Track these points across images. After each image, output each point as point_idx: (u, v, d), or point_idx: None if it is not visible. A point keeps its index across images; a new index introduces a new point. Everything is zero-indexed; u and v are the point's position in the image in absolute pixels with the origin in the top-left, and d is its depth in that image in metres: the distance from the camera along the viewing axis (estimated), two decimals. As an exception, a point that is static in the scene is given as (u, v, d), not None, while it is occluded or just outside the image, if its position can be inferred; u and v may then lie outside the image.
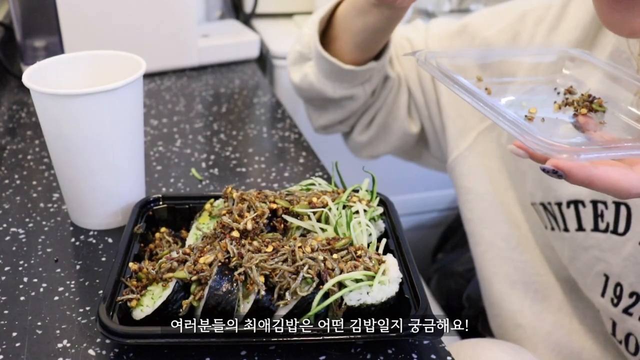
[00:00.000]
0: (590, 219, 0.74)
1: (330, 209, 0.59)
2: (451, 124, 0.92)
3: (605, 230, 0.73)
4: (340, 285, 0.52)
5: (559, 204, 0.78)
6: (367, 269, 0.53)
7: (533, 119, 0.60)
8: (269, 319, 0.53)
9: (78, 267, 0.64)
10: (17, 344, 0.53)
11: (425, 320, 0.51)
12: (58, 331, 0.55)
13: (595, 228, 0.74)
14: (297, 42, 0.96)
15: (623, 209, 0.70)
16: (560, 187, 0.77)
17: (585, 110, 0.60)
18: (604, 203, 0.72)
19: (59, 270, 0.63)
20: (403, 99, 0.96)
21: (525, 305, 0.87)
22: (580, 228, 0.76)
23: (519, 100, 0.65)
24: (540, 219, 0.84)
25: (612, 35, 0.75)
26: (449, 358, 0.53)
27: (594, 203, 0.73)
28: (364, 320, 0.52)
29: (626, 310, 0.72)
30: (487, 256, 0.90)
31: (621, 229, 0.71)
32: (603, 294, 0.75)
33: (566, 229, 0.78)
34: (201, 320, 0.52)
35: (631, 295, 0.72)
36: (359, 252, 0.55)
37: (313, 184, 0.68)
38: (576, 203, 0.75)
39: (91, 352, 0.53)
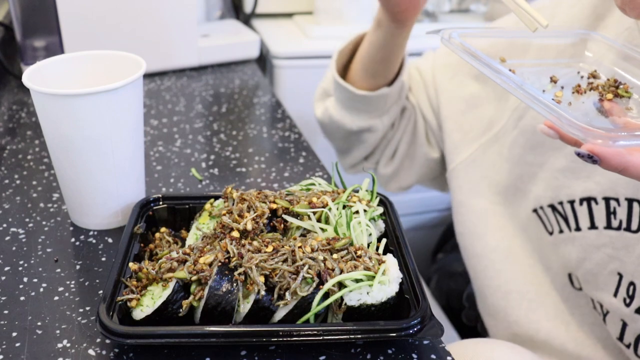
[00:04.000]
0: (603, 216, 0.74)
1: (330, 209, 0.59)
2: (447, 137, 0.94)
3: (618, 228, 0.73)
4: (340, 285, 0.52)
5: (572, 202, 0.77)
6: (367, 269, 0.53)
7: (560, 102, 0.60)
8: (269, 319, 0.53)
9: (78, 267, 0.64)
10: (17, 344, 0.53)
11: (425, 320, 0.51)
12: (58, 331, 0.55)
13: (608, 226, 0.74)
14: (322, 80, 1.03)
15: (636, 206, 0.70)
16: (573, 184, 0.77)
17: (611, 96, 0.59)
18: (617, 200, 0.72)
19: (59, 270, 0.63)
20: (420, 126, 0.99)
21: (521, 314, 0.87)
22: (592, 226, 0.76)
23: (543, 84, 0.65)
24: (543, 224, 0.84)
25: (615, 28, 0.74)
26: (449, 358, 0.53)
27: (607, 200, 0.73)
28: (364, 320, 0.52)
29: (639, 311, 0.72)
30: (478, 267, 0.91)
31: (634, 226, 0.71)
32: (616, 294, 0.74)
33: (578, 228, 0.78)
34: (201, 320, 0.53)
35: None
36: (359, 252, 0.55)
37: (313, 184, 0.68)
38: (589, 200, 0.75)
39: (91, 352, 0.53)
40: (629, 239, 0.71)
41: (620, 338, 0.75)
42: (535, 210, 0.84)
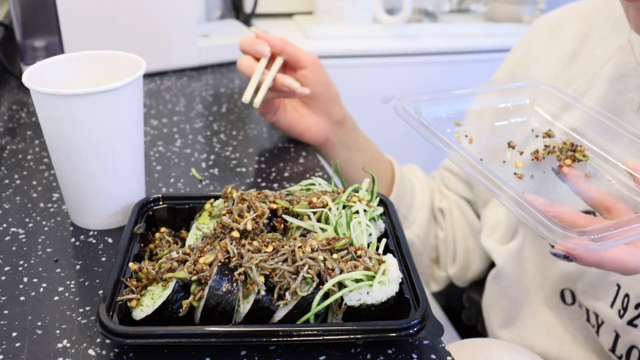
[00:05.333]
0: None
1: (330, 209, 0.59)
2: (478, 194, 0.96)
3: None
4: (340, 285, 0.52)
5: None
6: (367, 269, 0.53)
7: (522, 176, 0.61)
8: (269, 319, 0.53)
9: (78, 267, 0.64)
10: (17, 344, 0.53)
11: (425, 320, 0.51)
12: (58, 331, 0.55)
13: None
14: None
15: None
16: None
17: (570, 161, 0.61)
18: None
19: (59, 270, 0.63)
20: (471, 215, 0.99)
21: (514, 333, 0.89)
22: None
23: (502, 152, 0.65)
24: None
25: (605, 47, 0.75)
26: (449, 358, 0.53)
27: None
28: (364, 320, 0.52)
29: (631, 322, 0.72)
30: (488, 290, 0.93)
31: None
32: (612, 305, 0.75)
33: None
34: (201, 320, 0.53)
35: (637, 306, 0.72)
36: (359, 252, 0.55)
37: (313, 184, 0.67)
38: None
39: (91, 352, 0.53)
40: None
41: (613, 350, 0.76)
42: None
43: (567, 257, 0.49)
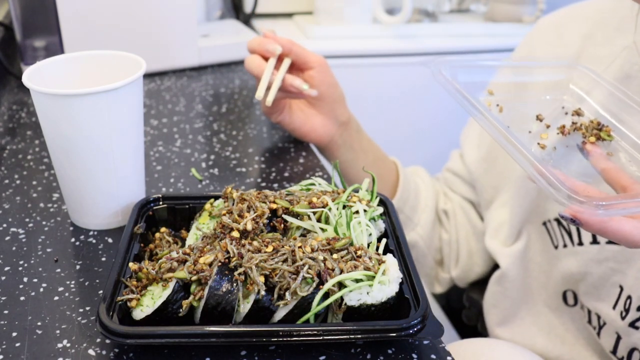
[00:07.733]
0: None
1: (330, 209, 0.59)
2: (482, 197, 0.96)
3: None
4: (340, 285, 0.52)
5: None
6: (367, 269, 0.53)
7: (545, 147, 0.61)
8: (269, 319, 0.53)
9: (78, 267, 0.64)
10: (17, 344, 0.53)
11: (425, 320, 0.51)
12: (58, 331, 0.55)
13: (610, 240, 0.74)
14: None
15: None
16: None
17: (594, 139, 0.62)
18: None
19: (59, 270, 0.63)
20: (474, 216, 0.99)
21: (514, 332, 0.89)
22: (594, 241, 0.76)
23: (529, 123, 0.66)
24: (550, 238, 0.84)
25: (611, 47, 0.76)
26: (449, 358, 0.53)
27: None
28: (364, 320, 0.52)
29: (633, 324, 0.72)
30: (489, 292, 0.93)
31: None
32: (615, 306, 0.75)
33: (580, 243, 0.78)
34: (201, 320, 0.53)
35: (639, 308, 0.72)
36: (359, 252, 0.55)
37: (313, 184, 0.67)
38: None
39: (91, 352, 0.53)
40: (632, 253, 0.72)
41: (614, 351, 0.76)
42: (544, 224, 0.85)
43: (574, 221, 0.50)
